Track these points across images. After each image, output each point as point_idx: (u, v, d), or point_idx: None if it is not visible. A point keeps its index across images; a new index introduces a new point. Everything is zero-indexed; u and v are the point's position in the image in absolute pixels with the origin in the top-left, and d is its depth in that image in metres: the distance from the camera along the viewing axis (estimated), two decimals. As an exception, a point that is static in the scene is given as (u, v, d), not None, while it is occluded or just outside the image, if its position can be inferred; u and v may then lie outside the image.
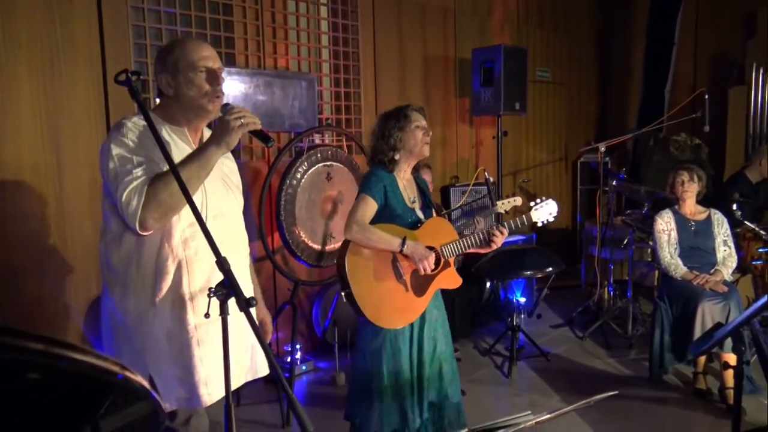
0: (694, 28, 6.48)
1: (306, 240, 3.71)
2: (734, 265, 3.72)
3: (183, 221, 1.77)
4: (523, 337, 4.31)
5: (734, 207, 3.95)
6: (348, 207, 3.88)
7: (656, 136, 6.14)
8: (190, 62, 1.79)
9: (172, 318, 1.78)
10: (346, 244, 2.41)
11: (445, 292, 2.65)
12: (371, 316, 2.38)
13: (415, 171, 2.63)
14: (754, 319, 1.88)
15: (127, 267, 1.77)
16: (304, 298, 4.28)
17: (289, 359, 3.69)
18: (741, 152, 5.82)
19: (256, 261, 3.87)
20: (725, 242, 3.74)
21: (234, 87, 3.61)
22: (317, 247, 3.77)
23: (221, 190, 1.91)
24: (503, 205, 3.04)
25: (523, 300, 4.55)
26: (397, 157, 2.48)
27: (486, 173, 4.05)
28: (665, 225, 3.78)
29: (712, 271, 3.65)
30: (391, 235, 2.38)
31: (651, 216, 4.06)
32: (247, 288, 2.00)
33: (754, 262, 4.13)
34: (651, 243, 4.25)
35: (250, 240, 2.11)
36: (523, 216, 2.66)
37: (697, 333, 3.38)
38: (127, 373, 0.76)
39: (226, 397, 1.53)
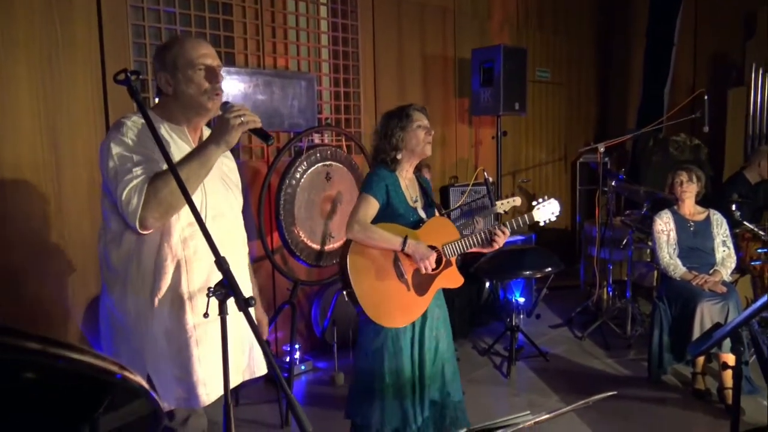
0: (694, 29, 6.48)
1: (305, 240, 3.71)
2: (733, 265, 3.72)
3: (182, 220, 1.77)
4: (522, 337, 4.31)
5: (733, 207, 3.96)
6: (347, 207, 3.90)
7: (656, 136, 6.15)
8: (189, 60, 1.78)
9: (171, 317, 1.78)
10: (347, 243, 2.42)
11: (444, 292, 2.65)
12: (373, 315, 2.39)
13: (418, 170, 2.64)
14: (752, 320, 1.88)
15: (127, 266, 1.77)
16: (303, 297, 4.28)
17: (288, 359, 3.69)
18: (740, 153, 5.83)
19: (255, 260, 3.87)
20: (724, 243, 3.75)
21: (233, 86, 3.61)
22: (316, 246, 3.77)
23: (221, 190, 1.91)
24: (502, 206, 3.04)
25: (522, 300, 4.55)
26: (399, 156, 2.49)
27: (485, 173, 4.05)
28: (664, 225, 3.78)
29: (711, 271, 3.65)
30: (392, 235, 2.39)
31: (650, 216, 4.06)
32: (246, 288, 2.00)
33: (753, 263, 4.13)
34: (650, 243, 4.25)
35: (249, 239, 2.11)
36: (525, 215, 2.65)
37: (696, 333, 3.38)
38: (126, 373, 0.76)
39: (225, 396, 1.53)
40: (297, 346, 3.87)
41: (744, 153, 5.76)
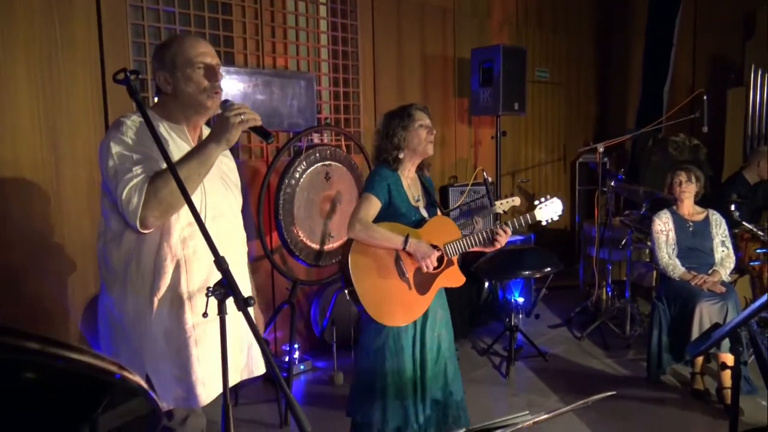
0: (693, 29, 6.48)
1: (304, 239, 3.71)
2: (732, 265, 3.73)
3: (182, 220, 1.76)
4: (522, 337, 4.31)
5: (732, 208, 3.96)
6: (347, 206, 3.91)
7: (655, 136, 6.15)
8: (188, 58, 1.78)
9: (170, 317, 1.78)
10: (349, 242, 2.43)
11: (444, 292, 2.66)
12: (374, 314, 2.40)
13: (420, 170, 2.64)
14: (751, 320, 1.88)
15: (127, 266, 1.77)
16: (302, 297, 4.28)
17: (287, 358, 3.69)
18: (739, 153, 5.83)
19: (255, 260, 3.87)
20: (723, 243, 3.75)
21: (233, 86, 3.61)
22: (316, 246, 3.77)
23: (220, 189, 1.91)
24: (502, 205, 3.04)
25: (521, 300, 4.55)
26: (401, 156, 2.50)
27: (484, 173, 4.06)
28: (663, 225, 3.78)
29: (710, 271, 3.65)
30: (394, 234, 2.40)
31: (649, 216, 4.06)
32: (246, 287, 2.00)
33: (752, 263, 4.14)
34: (649, 243, 4.25)
35: (249, 239, 2.11)
36: (527, 214, 2.65)
37: (695, 333, 3.38)
38: (125, 373, 0.76)
39: (224, 396, 1.53)
40: (296, 346, 3.87)
41: (743, 153, 5.77)
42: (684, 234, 3.75)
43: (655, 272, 4.70)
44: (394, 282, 2.44)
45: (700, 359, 3.62)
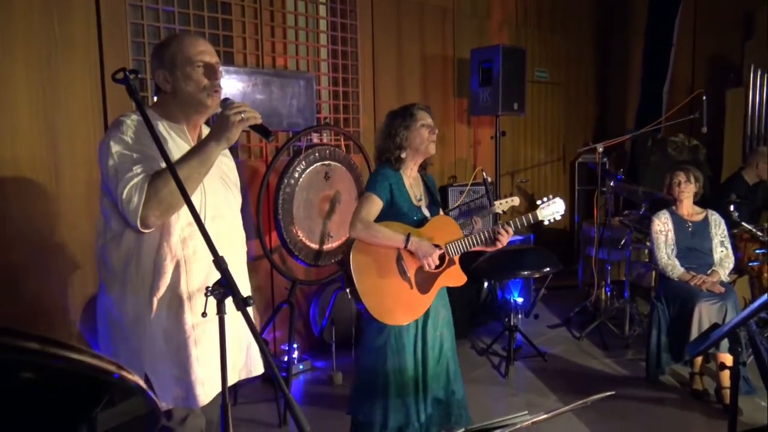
0: (693, 29, 6.48)
1: (303, 239, 3.71)
2: (731, 265, 3.73)
3: (182, 220, 1.76)
4: (521, 337, 4.31)
5: (731, 208, 3.96)
6: (346, 206, 3.91)
7: (654, 136, 6.15)
8: (187, 57, 1.78)
9: (170, 317, 1.78)
10: (351, 242, 2.44)
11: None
12: (375, 313, 2.41)
13: (422, 169, 2.65)
14: (750, 320, 1.88)
15: (126, 265, 1.76)
16: (301, 297, 4.28)
17: (286, 358, 3.69)
18: (738, 153, 5.83)
19: (254, 260, 3.87)
20: (722, 243, 3.75)
21: (232, 86, 3.61)
22: (315, 246, 3.77)
23: (220, 189, 1.91)
24: (501, 205, 3.04)
25: (520, 300, 4.55)
26: (403, 155, 2.52)
27: (484, 173, 4.06)
28: (662, 226, 3.79)
29: (709, 271, 3.66)
30: (395, 232, 2.41)
31: (648, 217, 4.06)
32: (245, 287, 2.00)
33: (750, 263, 4.14)
34: (648, 244, 4.26)
35: (248, 239, 2.11)
36: (529, 214, 2.65)
37: (694, 333, 3.38)
38: (123, 373, 0.76)
39: (223, 396, 1.53)
40: (295, 346, 3.87)
41: (742, 154, 5.77)
42: (683, 234, 3.75)
43: (654, 272, 4.70)
44: (396, 281, 2.44)
45: (699, 359, 3.62)
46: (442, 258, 2.50)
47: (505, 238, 2.53)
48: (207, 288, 1.49)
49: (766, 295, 1.80)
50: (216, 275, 1.45)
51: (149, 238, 1.74)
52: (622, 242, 4.62)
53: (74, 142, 3.12)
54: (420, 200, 2.58)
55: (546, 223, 2.70)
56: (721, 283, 3.59)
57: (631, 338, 4.45)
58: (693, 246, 3.72)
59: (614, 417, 3.28)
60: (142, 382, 0.81)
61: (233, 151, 3.14)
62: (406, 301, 2.45)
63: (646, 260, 5.06)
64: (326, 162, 3.80)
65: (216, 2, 3.71)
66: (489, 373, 4.02)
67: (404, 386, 2.47)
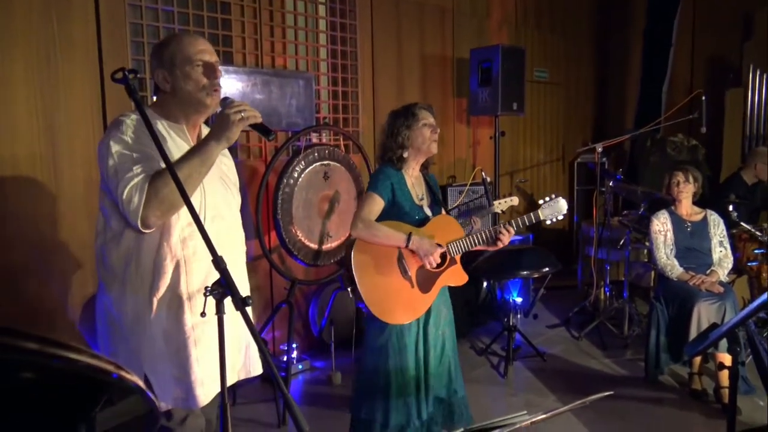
0: (692, 30, 6.49)
1: (303, 239, 3.71)
2: (730, 265, 3.73)
3: (182, 220, 1.76)
4: (520, 337, 4.31)
5: (730, 208, 3.96)
6: (345, 206, 3.91)
7: (653, 137, 6.16)
8: (187, 56, 1.77)
9: (169, 318, 1.78)
10: (352, 241, 2.45)
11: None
12: (376, 312, 2.42)
13: (424, 168, 2.66)
14: (749, 320, 1.88)
15: (126, 265, 1.76)
16: (300, 297, 4.28)
17: (285, 358, 3.69)
18: (737, 154, 5.84)
19: (253, 260, 3.87)
20: (721, 243, 3.75)
21: (231, 85, 3.61)
22: (314, 246, 3.77)
23: (220, 190, 1.91)
24: (500, 205, 3.04)
25: (519, 300, 4.55)
26: (405, 154, 2.53)
27: (483, 173, 4.06)
28: (661, 226, 3.79)
29: (708, 271, 3.66)
30: (396, 232, 2.42)
31: (647, 217, 4.07)
32: (244, 287, 2.00)
33: (749, 263, 4.14)
34: (647, 244, 4.26)
35: (247, 239, 2.11)
36: (531, 213, 2.65)
37: (693, 333, 3.39)
38: (122, 373, 0.76)
39: (222, 396, 1.53)
40: (294, 346, 3.87)
41: (741, 154, 5.78)
42: (682, 234, 3.75)
43: (653, 272, 4.70)
44: (397, 280, 2.45)
45: (697, 359, 3.62)
46: (443, 257, 2.51)
47: (507, 237, 2.53)
48: (206, 288, 1.49)
49: (764, 294, 1.80)
50: (216, 275, 1.45)
51: (149, 238, 1.74)
52: (621, 242, 4.62)
53: (73, 142, 3.12)
54: (422, 199, 2.59)
55: (548, 222, 2.70)
56: (720, 283, 3.59)
57: (630, 338, 4.45)
58: (692, 246, 3.73)
59: (613, 417, 3.29)
60: (141, 382, 0.81)
61: (232, 150, 3.13)
62: (407, 300, 2.46)
63: (645, 260, 5.06)
64: (325, 162, 3.80)
65: (215, 2, 3.71)
66: (488, 373, 4.02)
67: (406, 385, 2.48)
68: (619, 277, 5.16)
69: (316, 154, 3.74)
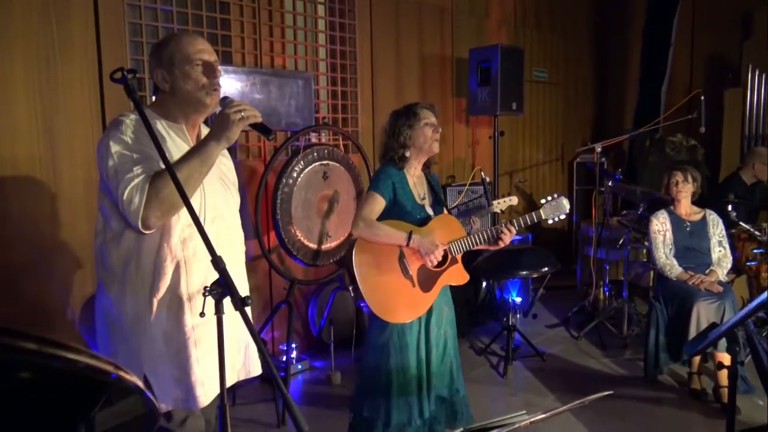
0: (691, 29, 6.49)
1: (302, 239, 3.71)
2: (729, 265, 3.73)
3: (182, 221, 1.75)
4: (519, 336, 4.31)
5: (729, 208, 3.97)
6: (344, 206, 3.91)
7: (652, 136, 6.16)
8: (186, 55, 1.77)
9: (169, 319, 1.77)
10: (353, 240, 2.46)
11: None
12: (377, 311, 2.43)
13: (426, 168, 2.66)
14: (748, 320, 1.88)
15: (126, 266, 1.75)
16: (299, 297, 4.28)
17: (284, 358, 3.69)
18: (737, 153, 5.85)
19: (252, 260, 3.87)
20: (720, 243, 3.76)
21: (230, 85, 3.61)
22: (313, 246, 3.77)
23: (219, 190, 1.91)
24: (499, 205, 3.05)
25: (518, 300, 4.56)
26: (407, 154, 2.54)
27: (482, 173, 4.06)
28: (660, 225, 3.79)
29: (707, 271, 3.66)
30: (397, 231, 2.43)
31: (646, 216, 4.07)
32: (243, 287, 1.99)
33: (748, 263, 4.14)
34: (646, 243, 4.26)
35: (246, 239, 2.11)
36: (533, 213, 2.64)
37: (692, 333, 3.39)
38: (121, 373, 0.76)
39: (221, 396, 1.53)
40: (294, 346, 3.87)
41: (740, 154, 5.78)
42: (681, 234, 3.76)
43: (652, 272, 4.70)
44: (398, 279, 2.46)
45: (697, 359, 3.63)
46: (444, 256, 2.51)
47: (508, 237, 2.54)
48: (205, 288, 1.48)
49: (764, 294, 1.81)
50: (216, 276, 1.45)
51: (149, 238, 1.73)
52: (621, 242, 4.62)
53: (73, 142, 3.12)
54: (423, 199, 2.60)
55: (550, 222, 2.70)
56: (719, 283, 3.59)
57: (630, 338, 4.45)
58: (691, 246, 3.73)
59: (612, 417, 3.29)
60: (140, 382, 0.81)
61: (231, 150, 3.13)
62: (408, 299, 2.47)
63: (645, 260, 5.06)
64: (325, 162, 3.80)
65: (214, 2, 3.70)
66: (487, 373, 4.02)
67: (407, 384, 2.49)
68: (618, 276, 5.17)
69: (315, 154, 3.74)
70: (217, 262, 1.42)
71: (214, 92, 1.81)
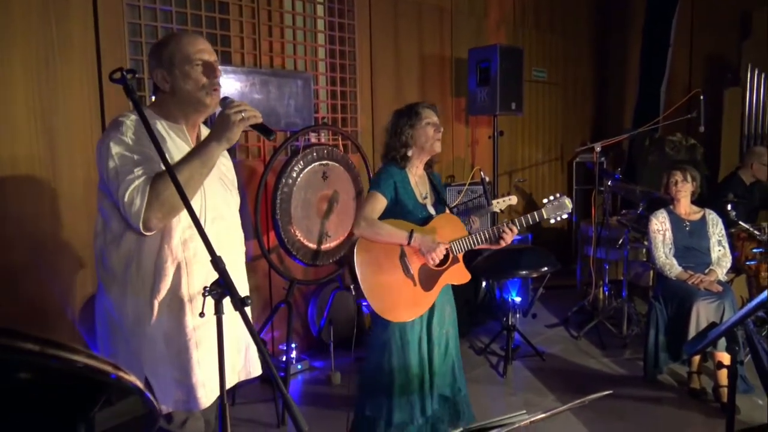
0: (690, 29, 6.50)
1: (301, 239, 3.71)
2: (729, 265, 3.74)
3: (183, 222, 1.75)
4: (519, 336, 4.31)
5: (729, 207, 3.97)
6: (344, 206, 3.91)
7: (652, 136, 6.16)
8: (186, 55, 1.77)
9: (170, 320, 1.77)
10: (354, 240, 2.46)
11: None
12: (378, 310, 2.43)
13: (428, 167, 2.67)
14: (748, 319, 1.88)
15: (126, 267, 1.75)
16: (299, 297, 4.28)
17: (284, 358, 3.69)
18: (736, 153, 5.85)
19: (252, 260, 3.87)
20: (720, 242, 3.76)
21: (230, 85, 3.60)
22: (313, 246, 3.77)
23: (219, 191, 1.90)
24: (498, 204, 3.05)
25: (518, 299, 4.56)
26: (409, 153, 2.55)
27: (482, 173, 4.05)
28: (660, 225, 3.79)
29: (706, 270, 3.66)
30: (398, 229, 2.43)
31: (646, 216, 4.07)
32: (243, 287, 1.99)
33: (748, 262, 4.14)
34: (646, 243, 4.26)
35: (246, 239, 2.11)
36: (535, 212, 2.64)
37: (692, 332, 3.39)
38: (121, 373, 0.76)
39: (221, 397, 1.52)
40: (293, 346, 3.87)
41: (740, 153, 5.78)
42: (681, 233, 3.76)
43: (651, 272, 4.71)
44: (399, 278, 2.46)
45: (696, 358, 3.63)
46: (446, 255, 2.52)
47: (510, 236, 2.55)
48: (205, 288, 1.48)
49: (763, 293, 1.81)
50: (216, 277, 1.45)
51: (150, 240, 1.73)
52: (620, 242, 4.62)
53: (72, 143, 3.12)
54: (425, 198, 2.61)
55: (552, 221, 2.70)
56: (719, 282, 3.59)
57: (629, 337, 4.45)
58: (691, 245, 3.73)
59: (612, 416, 3.29)
60: (140, 383, 0.81)
61: (231, 150, 3.13)
62: (409, 298, 2.48)
63: (644, 259, 5.07)
64: (324, 162, 3.80)
65: (213, 2, 3.70)
66: (487, 373, 4.02)
67: (409, 383, 2.50)
68: (617, 276, 5.16)
69: (314, 154, 3.74)
70: (217, 263, 1.42)
71: (214, 92, 1.80)
